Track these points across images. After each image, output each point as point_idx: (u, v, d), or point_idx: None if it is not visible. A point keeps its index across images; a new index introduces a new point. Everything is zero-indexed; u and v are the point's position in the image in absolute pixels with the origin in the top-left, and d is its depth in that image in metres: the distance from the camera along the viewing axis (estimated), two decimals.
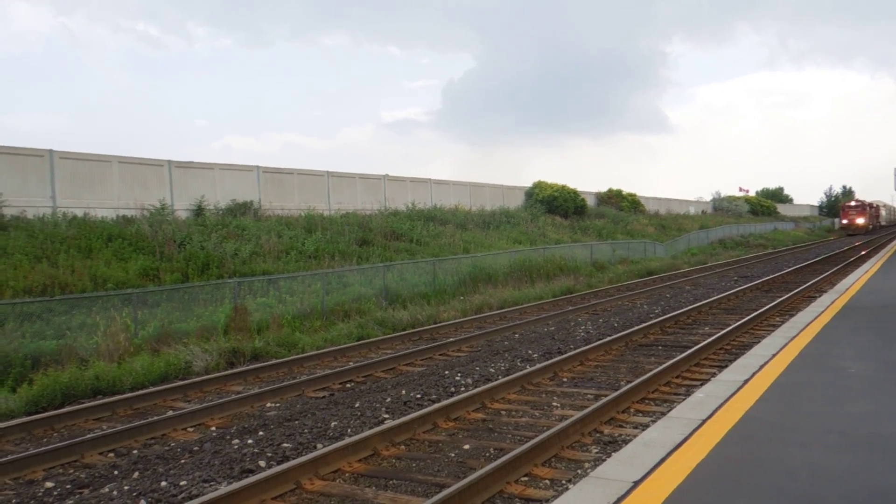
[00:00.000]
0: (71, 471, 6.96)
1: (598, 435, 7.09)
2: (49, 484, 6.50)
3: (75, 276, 14.47)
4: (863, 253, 35.09)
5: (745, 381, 6.76)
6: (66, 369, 10.51)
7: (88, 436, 7.73)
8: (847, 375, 6.86)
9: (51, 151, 19.09)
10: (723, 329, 12.75)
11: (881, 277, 17.49)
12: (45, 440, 8.15)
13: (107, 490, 6.20)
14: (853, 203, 71.70)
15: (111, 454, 7.43)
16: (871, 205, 77.45)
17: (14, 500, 6.11)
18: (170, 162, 22.29)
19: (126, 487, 6.21)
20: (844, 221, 69.66)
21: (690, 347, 11.09)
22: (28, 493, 6.29)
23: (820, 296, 15.37)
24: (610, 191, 49.77)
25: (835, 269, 24.93)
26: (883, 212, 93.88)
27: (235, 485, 5.67)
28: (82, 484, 6.46)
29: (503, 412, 8.24)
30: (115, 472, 6.73)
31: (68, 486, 6.41)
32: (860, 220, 68.04)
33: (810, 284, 19.50)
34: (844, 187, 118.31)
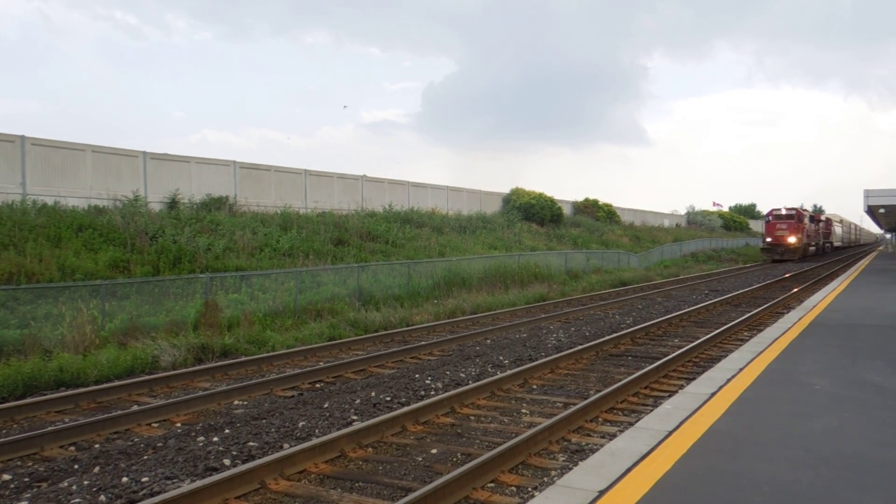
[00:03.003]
0: (30, 463, 6.82)
1: (565, 443, 7.11)
2: (6, 476, 6.35)
3: (43, 265, 14.20)
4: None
5: (712, 395, 6.83)
6: (29, 359, 10.31)
7: (49, 428, 7.58)
8: (812, 391, 6.97)
9: (22, 137, 18.73)
10: (692, 342, 12.89)
11: (848, 296, 17.82)
12: (4, 431, 7.97)
13: (66, 484, 6.08)
14: (783, 212, 47.27)
15: (72, 448, 7.29)
16: (814, 217, 56.68)
17: None
18: (145, 153, 22.00)
19: (86, 482, 6.09)
20: (768, 240, 46.84)
21: (660, 359, 11.19)
22: None
23: (788, 312, 15.61)
24: (587, 200, 50.12)
25: (803, 286, 25.35)
26: (837, 228, 71.33)
27: (198, 483, 5.59)
28: (41, 477, 6.33)
29: (472, 417, 8.24)
30: (76, 467, 6.60)
31: (26, 480, 6.27)
32: (791, 239, 45.57)
33: (779, 300, 19.79)
34: (815, 206, 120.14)
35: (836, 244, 70.33)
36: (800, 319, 12.80)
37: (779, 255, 46.26)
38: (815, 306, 15.17)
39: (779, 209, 48.06)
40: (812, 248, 52.61)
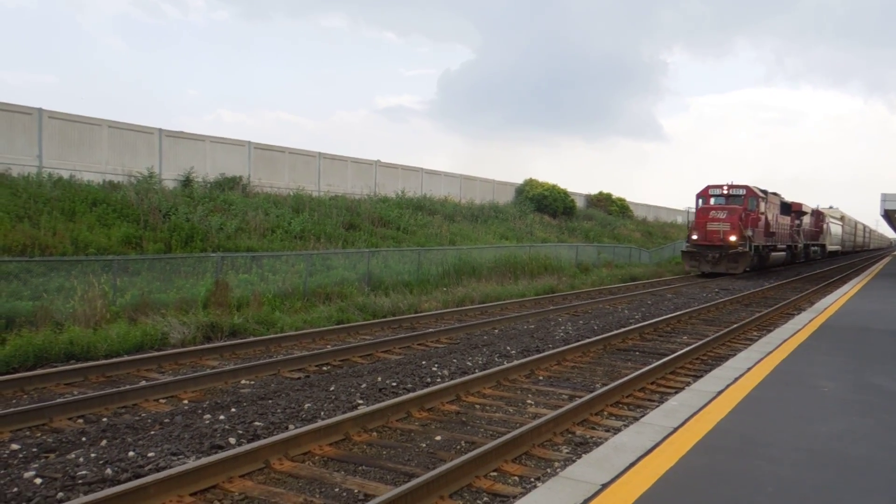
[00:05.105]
0: (38, 434, 6.89)
1: (570, 435, 7.11)
2: (15, 446, 6.43)
3: (56, 239, 14.31)
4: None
5: (719, 393, 6.81)
6: (40, 331, 10.40)
7: (58, 400, 7.66)
8: (820, 394, 6.93)
9: (40, 110, 18.83)
10: (700, 339, 12.84)
11: (860, 299, 17.68)
12: (14, 401, 8.06)
13: (73, 456, 6.14)
14: (724, 191, 31.04)
15: (80, 420, 7.36)
16: (791, 205, 38.61)
17: None
18: (160, 130, 22.07)
19: (93, 455, 6.15)
20: (694, 237, 30.14)
21: (667, 355, 11.15)
22: None
23: (798, 313, 15.51)
24: (600, 194, 49.93)
25: (815, 288, 25.18)
26: (835, 228, 54.55)
27: (204, 460, 5.64)
28: (49, 448, 6.40)
29: (477, 406, 8.25)
30: (83, 439, 6.67)
31: (34, 450, 6.34)
32: (733, 237, 29.00)
33: (789, 301, 19.67)
34: (831, 207, 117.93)
35: (832, 248, 53.72)
36: (810, 321, 12.72)
37: (710, 265, 29.44)
38: (825, 308, 15.06)
39: (718, 186, 31.29)
40: (780, 254, 35.80)
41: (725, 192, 31.08)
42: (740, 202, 30.54)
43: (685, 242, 31.38)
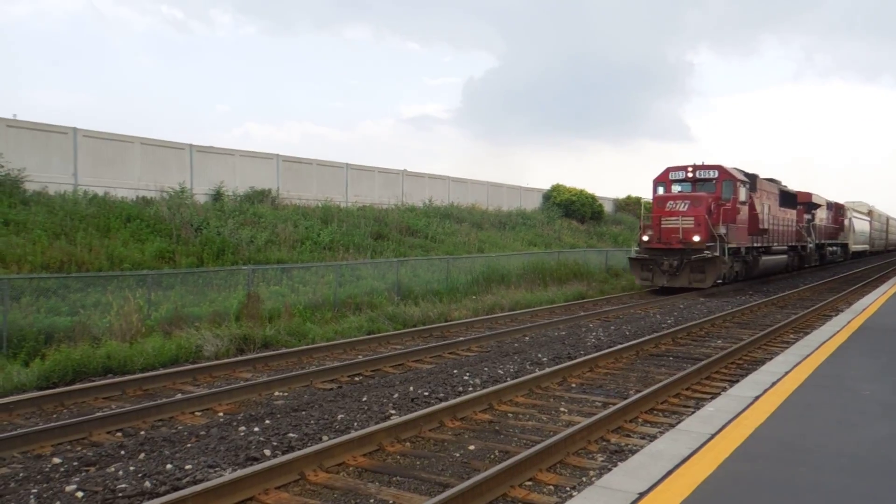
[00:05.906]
0: (79, 448, 7.02)
1: (604, 443, 7.04)
2: (56, 460, 6.55)
3: (92, 255, 14.60)
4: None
5: (757, 398, 6.69)
6: (78, 346, 10.60)
7: (97, 414, 7.79)
8: (861, 398, 6.77)
9: (74, 129, 19.28)
10: (735, 343, 12.64)
11: None
12: (54, 416, 8.22)
13: (112, 469, 6.24)
14: (689, 173, 23.10)
15: (119, 434, 7.48)
16: (795, 196, 32.17)
17: (21, 474, 6.16)
18: (191, 146, 22.44)
19: (132, 468, 6.24)
20: (645, 238, 22.37)
21: (702, 360, 11.00)
22: (35, 467, 6.35)
23: (836, 314, 15.20)
24: (628, 198, 49.53)
25: (852, 288, 24.65)
26: (860, 224, 47.42)
27: (240, 472, 5.69)
28: (89, 462, 6.51)
29: (510, 414, 8.21)
30: (122, 452, 6.77)
31: (75, 464, 6.46)
32: (696, 236, 21.24)
33: (826, 303, 19.28)
34: (864, 203, 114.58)
35: (858, 247, 46.23)
36: (849, 323, 12.45)
37: (667, 276, 21.99)
38: (864, 309, 14.73)
39: (681, 168, 23.69)
40: (777, 258, 28.15)
41: (690, 175, 23.24)
42: (711, 189, 22.91)
43: (635, 246, 23.69)
